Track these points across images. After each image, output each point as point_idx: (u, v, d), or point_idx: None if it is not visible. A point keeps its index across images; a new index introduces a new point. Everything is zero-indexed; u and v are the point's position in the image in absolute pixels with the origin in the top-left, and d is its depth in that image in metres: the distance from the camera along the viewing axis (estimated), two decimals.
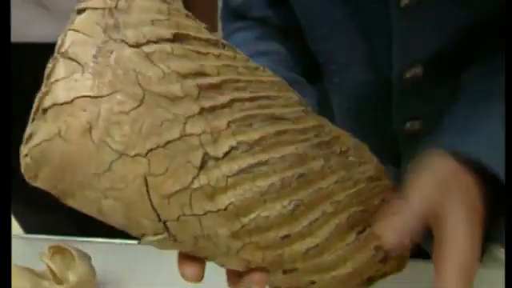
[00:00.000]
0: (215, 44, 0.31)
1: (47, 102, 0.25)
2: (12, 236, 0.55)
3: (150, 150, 0.26)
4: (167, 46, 0.28)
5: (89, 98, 0.25)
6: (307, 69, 0.49)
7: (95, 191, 0.26)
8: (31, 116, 0.26)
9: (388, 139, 0.48)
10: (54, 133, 0.25)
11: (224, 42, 0.32)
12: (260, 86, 0.31)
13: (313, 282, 0.31)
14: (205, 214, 0.27)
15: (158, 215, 0.26)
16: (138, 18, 0.28)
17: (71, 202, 0.27)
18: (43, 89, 0.26)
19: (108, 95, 0.25)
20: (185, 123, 0.27)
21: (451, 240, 0.30)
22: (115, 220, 0.27)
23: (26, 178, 0.26)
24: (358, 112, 0.49)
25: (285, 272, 0.30)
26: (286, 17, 0.47)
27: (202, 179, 0.27)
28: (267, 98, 0.31)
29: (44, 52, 0.65)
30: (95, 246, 0.54)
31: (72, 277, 0.44)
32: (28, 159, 0.25)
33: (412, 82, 0.44)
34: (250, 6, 0.48)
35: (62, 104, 0.25)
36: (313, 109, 0.35)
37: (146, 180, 0.26)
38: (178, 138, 0.26)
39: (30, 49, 0.65)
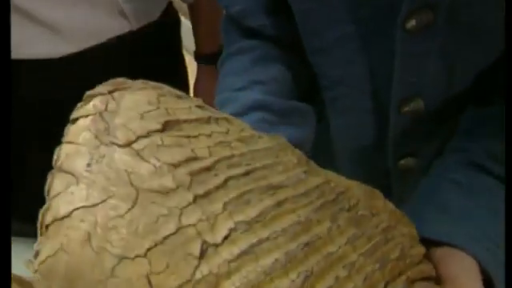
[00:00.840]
0: (207, 121, 0.31)
1: (48, 219, 0.27)
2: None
3: (149, 248, 0.26)
4: (157, 138, 0.28)
5: (85, 208, 0.26)
6: (307, 84, 0.48)
7: None
8: (38, 231, 0.28)
9: (380, 171, 0.47)
10: (56, 248, 0.26)
11: (217, 115, 0.32)
12: (255, 155, 0.31)
13: None
14: None
15: None
16: (127, 116, 0.29)
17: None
18: (45, 205, 0.27)
19: (102, 202, 0.26)
20: (180, 215, 0.27)
21: (465, 276, 0.33)
22: None
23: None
24: (351, 136, 0.47)
25: None
26: (283, 27, 0.46)
27: (204, 269, 0.27)
28: (263, 167, 0.31)
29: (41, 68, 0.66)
30: None
31: None
32: (37, 275, 0.27)
33: (411, 117, 0.42)
34: (248, 13, 0.47)
35: (61, 218, 0.26)
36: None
37: (149, 280, 0.26)
38: (175, 232, 0.27)
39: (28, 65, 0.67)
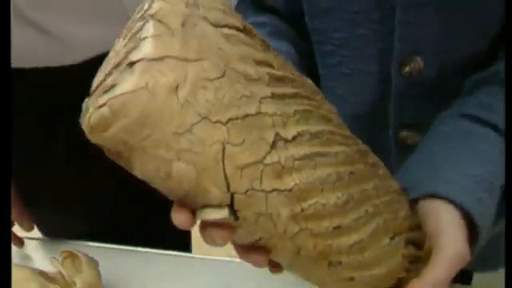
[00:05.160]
0: (269, 46, 0.32)
1: (135, 56, 0.25)
2: (29, 239, 0.64)
3: (230, 119, 0.26)
4: (240, 35, 0.29)
5: (177, 60, 0.25)
6: (309, 59, 0.47)
7: (170, 151, 0.25)
8: (108, 69, 0.26)
9: (381, 145, 0.45)
10: (140, 86, 0.24)
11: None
12: (308, 90, 0.33)
13: (352, 279, 0.32)
14: (272, 191, 0.27)
15: (228, 185, 0.26)
16: (210, 5, 0.29)
17: (136, 163, 0.26)
18: (129, 44, 0.26)
19: (195, 61, 0.26)
20: (260, 102, 0.27)
21: (448, 233, 0.34)
22: (180, 186, 0.26)
23: (91, 131, 0.25)
24: (352, 105, 0.47)
25: (330, 264, 0.31)
26: (291, 2, 0.47)
27: (274, 157, 0.27)
28: (316, 101, 0.33)
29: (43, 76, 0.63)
30: (104, 252, 0.59)
31: (79, 282, 0.47)
32: (105, 109, 0.25)
33: (412, 79, 0.42)
34: None
35: (151, 60, 0.25)
36: None
37: (223, 147, 0.26)
38: (255, 114, 0.27)
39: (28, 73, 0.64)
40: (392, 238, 0.34)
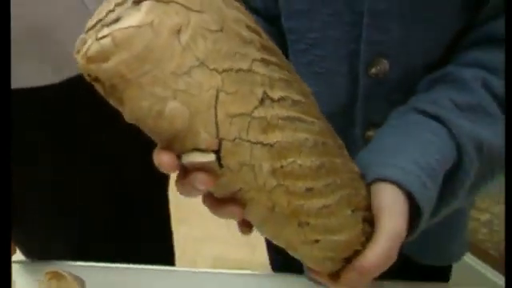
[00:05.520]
0: (256, 21, 0.33)
1: None
2: (12, 261, 0.58)
3: (225, 70, 0.28)
4: (234, 2, 0.31)
5: (182, 6, 0.27)
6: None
7: (167, 90, 0.26)
8: (110, 8, 0.26)
9: (351, 146, 0.48)
10: (146, 22, 0.25)
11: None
12: (290, 67, 0.34)
13: (317, 241, 0.34)
14: (256, 143, 0.29)
15: (218, 131, 0.27)
16: None
17: (129, 98, 0.27)
18: None
19: (197, 11, 0.27)
20: (251, 62, 0.29)
21: (387, 212, 0.37)
22: (172, 125, 0.27)
23: (87, 62, 0.26)
24: (323, 103, 0.47)
25: (299, 224, 0.33)
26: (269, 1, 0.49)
27: (261, 112, 0.29)
28: (295, 76, 0.34)
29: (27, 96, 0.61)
30: (90, 270, 0.58)
31: None
32: (107, 41, 0.25)
33: (378, 80, 0.45)
34: None
35: (158, 1, 0.26)
36: None
37: (217, 93, 0.27)
38: (247, 71, 0.29)
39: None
40: (353, 211, 0.36)
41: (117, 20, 0.26)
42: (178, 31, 0.26)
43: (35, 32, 0.58)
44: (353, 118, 0.49)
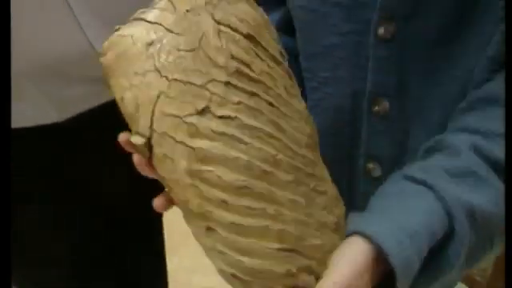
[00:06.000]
0: (276, 60, 0.39)
1: (141, 15, 0.36)
2: None
3: (175, 79, 0.34)
4: (237, 36, 0.37)
5: (164, 28, 0.35)
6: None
7: (127, 82, 0.35)
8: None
9: (354, 177, 0.53)
10: (129, 34, 0.35)
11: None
12: (287, 106, 0.38)
13: (222, 253, 0.36)
14: (180, 142, 0.34)
15: (152, 123, 0.35)
16: (234, 13, 0.37)
17: (111, 84, 0.36)
18: (148, 8, 0.36)
19: (176, 33, 0.35)
20: (210, 81, 0.35)
21: (346, 258, 0.38)
22: (127, 109, 0.36)
23: (101, 54, 0.37)
24: (330, 134, 0.54)
25: (208, 229, 0.36)
26: (290, 41, 0.55)
27: (194, 120, 0.34)
28: (285, 114, 0.38)
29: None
30: None
31: None
32: (107, 41, 0.36)
33: (379, 117, 0.50)
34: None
35: (147, 21, 0.35)
36: None
37: (159, 94, 0.34)
38: (198, 86, 0.35)
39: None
40: (283, 250, 0.36)
41: (119, 29, 0.37)
42: (150, 44, 0.35)
43: (39, 70, 0.58)
44: (356, 150, 0.53)
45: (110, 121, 0.47)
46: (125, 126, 0.37)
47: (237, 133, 0.35)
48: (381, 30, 0.47)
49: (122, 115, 0.37)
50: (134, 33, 0.35)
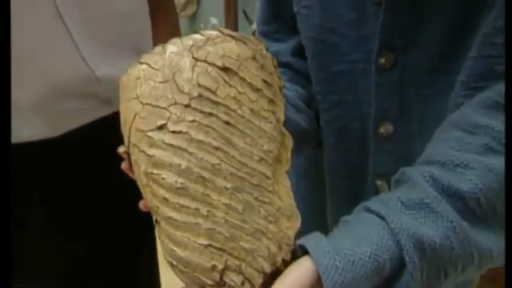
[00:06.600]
0: (253, 87, 0.46)
1: (140, 59, 0.47)
2: None
3: (147, 103, 0.45)
4: (210, 68, 0.45)
5: (148, 66, 0.45)
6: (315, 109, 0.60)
7: (122, 106, 0.47)
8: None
9: (365, 194, 0.58)
10: (129, 71, 0.47)
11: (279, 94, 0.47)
12: (247, 125, 0.45)
13: (163, 242, 0.44)
14: (142, 151, 0.45)
15: (130, 136, 0.46)
16: (216, 51, 0.45)
17: (117, 104, 0.48)
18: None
19: (155, 69, 0.45)
20: (173, 103, 0.44)
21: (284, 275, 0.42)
22: (122, 126, 0.47)
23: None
24: (342, 153, 0.59)
25: (156, 221, 0.45)
26: (302, 63, 0.62)
27: (153, 134, 0.44)
28: (242, 132, 0.45)
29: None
30: None
31: None
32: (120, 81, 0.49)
33: (384, 138, 0.54)
34: (280, 53, 0.64)
35: (140, 62, 0.46)
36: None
37: (135, 115, 0.45)
38: (163, 108, 0.44)
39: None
40: (211, 247, 0.41)
41: (126, 71, 0.49)
42: (137, 79, 0.47)
43: (39, 97, 0.61)
44: (365, 168, 0.58)
45: (106, 135, 0.53)
46: (120, 141, 0.48)
47: (184, 145, 0.43)
48: (381, 61, 0.51)
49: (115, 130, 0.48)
50: (132, 70, 0.47)
